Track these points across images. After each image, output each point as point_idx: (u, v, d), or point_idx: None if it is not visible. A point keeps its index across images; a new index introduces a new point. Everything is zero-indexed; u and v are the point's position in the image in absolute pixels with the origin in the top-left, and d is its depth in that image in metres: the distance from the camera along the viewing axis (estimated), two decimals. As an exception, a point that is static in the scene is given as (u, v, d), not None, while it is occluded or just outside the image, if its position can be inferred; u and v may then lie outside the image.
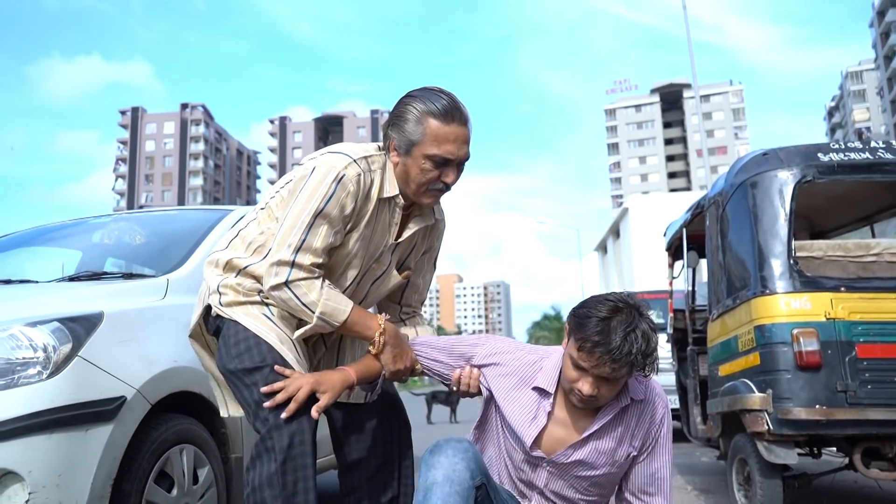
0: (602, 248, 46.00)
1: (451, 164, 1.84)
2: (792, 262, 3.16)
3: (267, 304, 1.91)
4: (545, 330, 55.28)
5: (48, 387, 1.88)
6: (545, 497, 1.85)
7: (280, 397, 1.73)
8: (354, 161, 1.83)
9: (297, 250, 1.79)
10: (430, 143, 1.80)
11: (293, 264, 1.79)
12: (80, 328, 2.03)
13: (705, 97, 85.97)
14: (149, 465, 2.13)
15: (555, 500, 1.85)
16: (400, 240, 1.97)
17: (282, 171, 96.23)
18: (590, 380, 1.66)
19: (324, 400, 1.78)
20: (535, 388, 1.80)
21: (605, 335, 1.61)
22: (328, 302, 1.81)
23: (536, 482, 1.83)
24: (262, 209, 2.01)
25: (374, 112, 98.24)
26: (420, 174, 1.84)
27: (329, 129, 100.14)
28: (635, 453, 1.81)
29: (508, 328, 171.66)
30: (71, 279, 2.70)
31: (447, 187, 1.88)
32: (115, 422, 1.99)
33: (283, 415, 1.73)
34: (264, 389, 1.75)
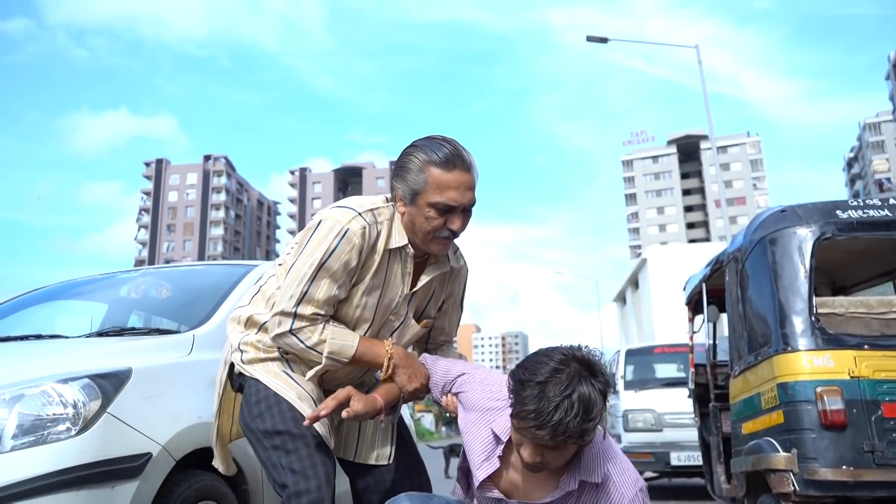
0: (621, 298, 45.68)
1: (456, 211, 1.84)
2: (814, 318, 3.15)
3: (287, 360, 1.96)
4: (564, 381, 54.35)
5: (77, 443, 1.91)
6: None
7: (330, 403, 1.79)
8: (360, 214, 1.87)
9: (299, 302, 1.84)
10: (432, 191, 1.82)
11: (295, 315, 1.85)
12: (109, 384, 2.07)
13: (723, 148, 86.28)
14: (172, 523, 2.13)
15: None
16: (415, 289, 1.99)
17: (301, 221, 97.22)
18: (530, 447, 1.55)
19: (355, 406, 1.80)
20: (493, 432, 1.73)
21: (538, 402, 1.48)
22: (334, 341, 1.87)
23: None
24: (279, 264, 2.07)
25: (392, 163, 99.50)
26: (425, 223, 1.85)
27: (348, 181, 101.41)
28: None
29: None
30: (100, 334, 2.75)
31: (454, 234, 1.89)
32: (140, 478, 2.01)
33: (323, 412, 1.77)
34: (307, 423, 1.79)
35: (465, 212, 1.87)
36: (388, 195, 1.97)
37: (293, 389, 1.90)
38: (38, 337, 2.73)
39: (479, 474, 1.71)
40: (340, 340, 1.88)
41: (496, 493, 1.73)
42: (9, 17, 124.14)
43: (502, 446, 1.70)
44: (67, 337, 2.74)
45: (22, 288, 3.51)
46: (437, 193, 1.82)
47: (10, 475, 1.79)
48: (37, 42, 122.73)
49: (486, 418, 1.76)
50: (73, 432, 1.92)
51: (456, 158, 1.84)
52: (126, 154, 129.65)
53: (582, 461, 1.64)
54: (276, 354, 1.97)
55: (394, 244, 1.91)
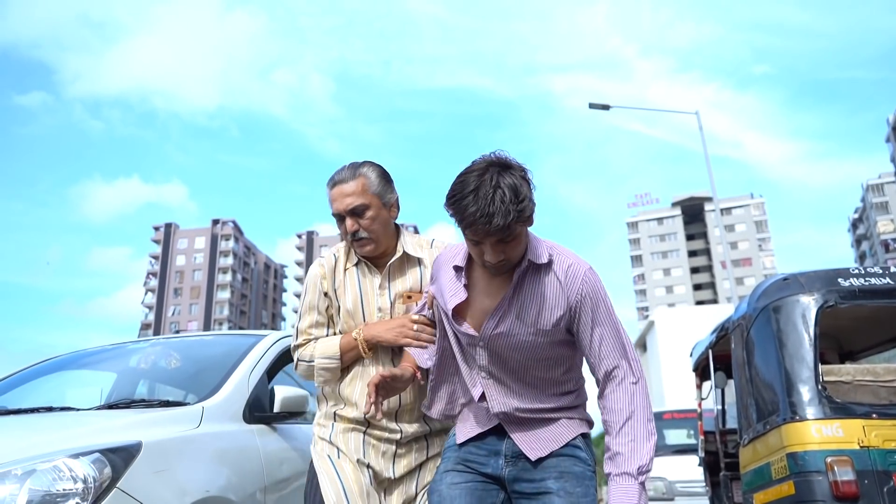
0: (629, 361, 44.96)
1: (346, 218, 2.19)
2: (820, 387, 3.15)
3: (332, 443, 2.23)
4: (573, 447, 53.22)
5: (86, 519, 1.92)
6: (496, 385, 1.92)
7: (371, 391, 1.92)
8: (322, 256, 2.35)
9: (297, 336, 2.33)
10: (331, 208, 2.23)
11: (296, 348, 2.34)
12: (119, 459, 2.08)
13: (727, 210, 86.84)
14: None
15: (503, 384, 1.91)
16: (383, 285, 2.27)
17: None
18: (489, 248, 1.75)
19: (384, 372, 1.97)
20: (454, 267, 1.93)
21: (477, 203, 1.68)
22: (320, 346, 2.26)
23: (482, 367, 1.92)
24: None
25: (399, 226, 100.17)
26: (341, 234, 2.26)
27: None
28: (562, 314, 1.83)
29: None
30: (109, 406, 2.78)
31: (357, 235, 2.20)
32: (147, 555, 2.01)
33: (372, 407, 1.91)
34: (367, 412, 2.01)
35: (352, 215, 2.18)
36: None
37: (333, 485, 2.12)
38: (50, 409, 2.75)
39: (451, 303, 1.91)
40: (323, 344, 2.25)
41: (469, 329, 1.89)
42: (28, 91, 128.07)
43: (463, 272, 1.91)
44: (78, 409, 2.76)
45: (28, 352, 3.59)
46: (331, 209, 2.23)
47: (20, 553, 1.80)
48: (54, 114, 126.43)
49: (448, 267, 1.98)
50: (82, 508, 1.93)
51: (335, 175, 2.23)
52: (136, 220, 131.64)
53: (528, 251, 1.85)
54: (327, 428, 2.26)
55: (350, 263, 2.30)
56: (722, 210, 17.47)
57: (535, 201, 1.78)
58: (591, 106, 17.12)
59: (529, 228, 1.85)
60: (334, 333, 2.31)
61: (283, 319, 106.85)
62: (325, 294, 2.28)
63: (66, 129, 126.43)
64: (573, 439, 1.92)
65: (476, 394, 1.96)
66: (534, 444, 1.91)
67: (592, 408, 2.03)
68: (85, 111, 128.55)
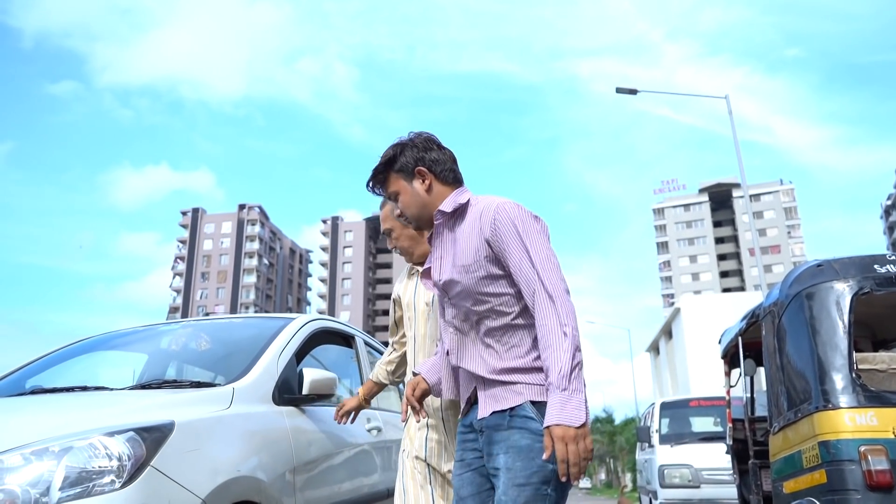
0: (654, 348, 44.88)
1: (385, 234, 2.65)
2: (854, 375, 3.10)
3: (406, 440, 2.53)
4: (597, 433, 53.21)
5: (121, 496, 1.94)
6: (460, 340, 1.96)
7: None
8: None
9: None
10: None
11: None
12: (152, 438, 2.11)
13: (755, 196, 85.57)
14: (210, 577, 2.15)
15: (465, 340, 1.94)
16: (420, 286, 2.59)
17: (332, 269, 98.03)
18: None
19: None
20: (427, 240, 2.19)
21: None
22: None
23: (447, 321, 2.00)
24: None
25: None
26: None
27: (379, 229, 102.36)
28: (478, 246, 1.88)
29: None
30: (142, 387, 2.82)
31: (395, 249, 2.64)
32: (181, 532, 2.04)
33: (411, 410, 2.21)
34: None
35: (387, 234, 2.64)
36: None
37: (398, 473, 2.49)
38: (84, 388, 2.80)
39: (424, 268, 2.08)
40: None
41: (429, 283, 2.06)
42: (59, 81, 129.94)
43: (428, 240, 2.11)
44: (111, 389, 2.81)
45: (60, 334, 3.68)
46: None
47: (57, 528, 1.84)
48: (84, 103, 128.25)
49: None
50: (117, 485, 1.96)
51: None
52: (165, 207, 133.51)
53: (441, 204, 2.02)
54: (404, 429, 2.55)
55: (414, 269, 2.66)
56: (751, 196, 17.18)
57: (432, 157, 2.04)
58: (618, 90, 16.93)
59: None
60: (403, 335, 2.73)
61: (308, 304, 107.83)
62: (395, 301, 2.71)
63: (96, 118, 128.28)
64: (520, 406, 1.79)
65: (445, 351, 2.03)
66: (485, 402, 1.87)
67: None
68: (114, 100, 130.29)
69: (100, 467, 1.98)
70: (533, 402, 1.79)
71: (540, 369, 1.81)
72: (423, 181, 2.03)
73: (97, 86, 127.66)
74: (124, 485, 1.97)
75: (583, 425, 1.65)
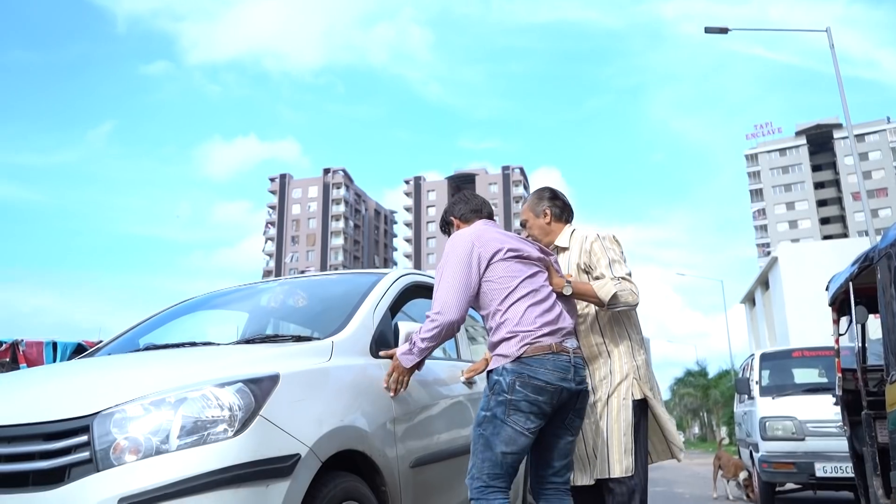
0: (749, 300, 43.32)
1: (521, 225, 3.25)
2: None
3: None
4: (689, 387, 52.05)
5: (234, 444, 2.03)
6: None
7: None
8: None
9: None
10: None
11: None
12: (259, 389, 2.18)
13: (859, 137, 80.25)
14: (320, 522, 2.22)
15: None
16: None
17: (416, 229, 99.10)
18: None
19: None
20: None
21: None
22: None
23: None
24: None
25: (504, 168, 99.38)
26: None
27: (461, 187, 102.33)
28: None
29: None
30: (247, 342, 2.92)
31: (529, 237, 3.04)
32: (291, 478, 2.11)
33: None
34: None
35: (523, 226, 3.23)
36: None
37: None
38: (193, 344, 2.93)
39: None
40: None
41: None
42: (152, 61, 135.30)
43: None
44: (218, 344, 2.93)
45: (165, 299, 3.81)
46: None
47: (179, 472, 1.93)
48: (175, 81, 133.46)
49: None
50: (230, 433, 2.05)
51: None
52: (255, 176, 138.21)
53: None
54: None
55: None
56: (855, 136, 16.08)
57: (455, 213, 2.95)
58: (707, 30, 16.06)
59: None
60: None
61: (395, 264, 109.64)
62: None
63: (187, 94, 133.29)
64: (489, 371, 2.57)
65: None
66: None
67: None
68: (203, 76, 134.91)
69: (213, 417, 2.06)
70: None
71: (499, 344, 2.56)
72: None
73: (187, 64, 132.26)
74: (237, 433, 2.05)
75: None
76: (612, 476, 2.82)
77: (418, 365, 2.69)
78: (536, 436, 2.47)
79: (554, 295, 2.64)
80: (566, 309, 2.69)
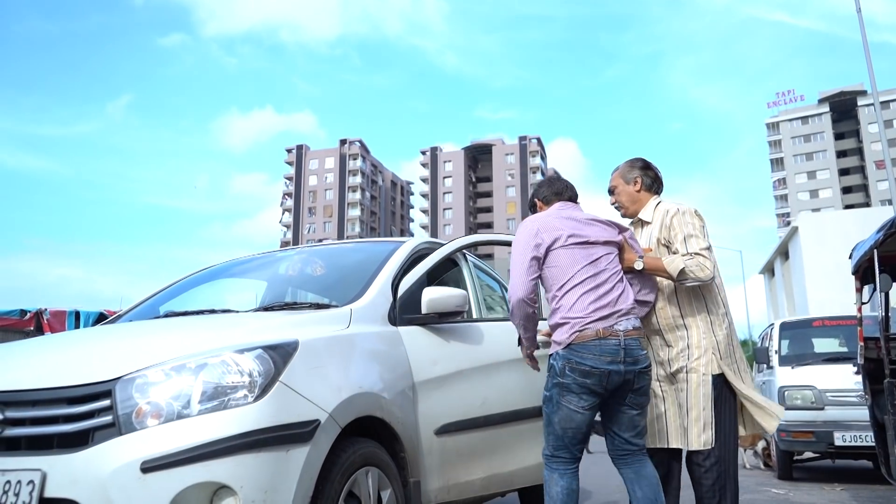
0: (768, 270, 42.96)
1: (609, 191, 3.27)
2: None
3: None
4: (706, 357, 51.72)
5: (255, 409, 2.04)
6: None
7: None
8: None
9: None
10: None
11: None
12: (279, 356, 2.19)
13: (885, 104, 78.56)
14: (339, 486, 2.24)
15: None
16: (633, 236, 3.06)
17: (433, 200, 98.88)
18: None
19: None
20: None
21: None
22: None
23: None
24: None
25: (521, 139, 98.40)
26: None
27: (478, 158, 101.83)
28: None
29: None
30: (265, 309, 2.93)
31: (615, 203, 3.25)
32: (311, 443, 2.13)
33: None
34: None
35: (610, 192, 3.25)
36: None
37: None
38: (212, 311, 2.95)
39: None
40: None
41: None
42: (168, 33, 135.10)
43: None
44: (237, 311, 2.94)
45: (186, 271, 3.83)
46: None
47: (200, 436, 1.95)
48: (192, 53, 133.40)
49: None
50: (250, 399, 2.06)
51: None
52: (272, 148, 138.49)
53: None
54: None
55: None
56: (881, 103, 15.71)
57: (539, 195, 3.04)
58: (731, -6, 15.67)
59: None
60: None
61: (412, 235, 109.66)
62: None
63: (204, 66, 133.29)
64: (549, 355, 2.74)
65: None
66: None
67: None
68: (219, 48, 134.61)
69: (233, 383, 2.07)
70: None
71: (556, 328, 2.71)
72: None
73: (203, 36, 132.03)
74: (257, 398, 2.06)
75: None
76: (690, 448, 2.84)
77: (533, 344, 2.92)
78: (595, 410, 2.64)
79: (616, 277, 2.70)
80: (639, 285, 2.85)
